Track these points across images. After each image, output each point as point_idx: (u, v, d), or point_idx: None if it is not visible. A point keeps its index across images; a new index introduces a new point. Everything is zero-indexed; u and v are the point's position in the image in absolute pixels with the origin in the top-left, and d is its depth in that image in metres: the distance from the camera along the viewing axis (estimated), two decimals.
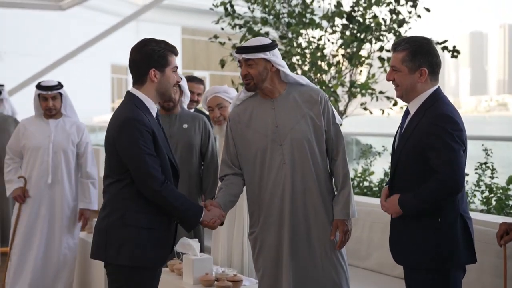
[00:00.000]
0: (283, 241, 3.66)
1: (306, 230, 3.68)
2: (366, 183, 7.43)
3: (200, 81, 6.00)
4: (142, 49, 3.40)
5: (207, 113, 4.96)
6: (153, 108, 3.45)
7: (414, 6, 7.21)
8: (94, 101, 23.35)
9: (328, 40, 7.44)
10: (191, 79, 5.99)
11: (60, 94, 5.53)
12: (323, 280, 3.69)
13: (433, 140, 3.18)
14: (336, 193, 3.78)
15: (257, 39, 3.75)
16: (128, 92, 3.46)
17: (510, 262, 3.98)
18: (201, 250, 4.54)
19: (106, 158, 3.44)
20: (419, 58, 3.30)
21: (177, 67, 3.50)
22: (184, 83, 5.03)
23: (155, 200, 3.32)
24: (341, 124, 3.86)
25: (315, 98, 3.72)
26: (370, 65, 7.44)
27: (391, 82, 3.44)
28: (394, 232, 3.42)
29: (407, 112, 3.41)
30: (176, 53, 3.48)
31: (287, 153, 3.66)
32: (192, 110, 5.52)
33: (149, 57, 3.37)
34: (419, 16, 7.23)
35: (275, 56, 3.69)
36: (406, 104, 3.44)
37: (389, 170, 3.64)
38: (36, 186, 5.47)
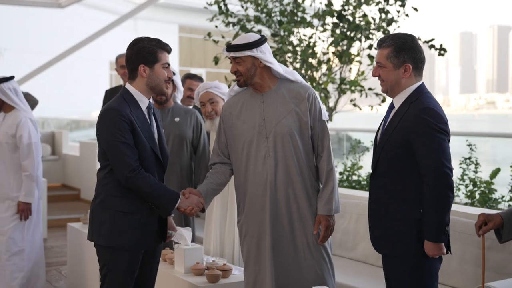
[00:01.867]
0: (265, 231, 3.70)
1: (288, 222, 3.71)
2: (354, 177, 7.47)
3: (199, 79, 6.01)
4: (134, 46, 3.53)
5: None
6: (143, 102, 3.56)
7: (403, 5, 7.25)
8: (92, 97, 23.33)
9: (319, 38, 7.47)
10: (191, 76, 6.01)
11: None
12: (305, 271, 3.71)
13: (418, 132, 3.20)
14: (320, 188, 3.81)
15: (244, 36, 3.74)
16: (123, 87, 3.59)
17: (489, 252, 4.03)
18: (192, 240, 4.57)
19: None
20: (403, 54, 3.33)
21: (168, 64, 3.57)
22: (177, 78, 5.06)
23: (127, 186, 3.45)
24: (328, 121, 3.87)
25: (303, 95, 3.73)
26: (360, 62, 7.48)
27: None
28: (373, 221, 3.44)
29: (391, 106, 3.43)
30: (168, 51, 3.57)
31: (272, 145, 3.69)
32: (191, 107, 5.54)
33: (138, 54, 3.50)
34: (407, 15, 7.26)
35: (263, 52, 3.69)
36: (392, 99, 3.47)
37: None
38: None
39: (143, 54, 3.48)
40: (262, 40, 3.70)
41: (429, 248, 3.23)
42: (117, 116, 3.40)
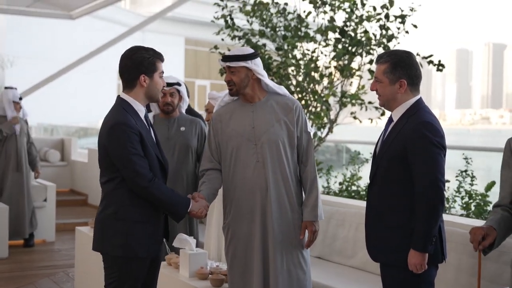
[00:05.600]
0: (255, 233, 3.75)
1: (273, 226, 3.74)
2: (354, 187, 7.48)
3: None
4: (132, 56, 3.47)
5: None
6: (141, 111, 3.53)
7: (403, 22, 7.27)
8: (100, 106, 23.37)
9: (322, 53, 7.50)
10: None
11: None
12: (288, 275, 3.76)
13: (415, 145, 3.20)
14: (304, 196, 3.87)
15: (240, 49, 3.85)
16: (118, 97, 3.54)
17: (484, 262, 4.03)
18: (196, 246, 4.58)
19: (99, 158, 3.55)
20: (399, 70, 3.34)
21: (163, 72, 3.58)
22: (183, 89, 5.09)
23: (144, 196, 3.41)
24: (312, 133, 3.93)
25: (290, 106, 3.83)
26: (360, 76, 7.50)
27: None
28: (371, 230, 3.44)
29: (390, 120, 3.45)
30: (162, 60, 3.57)
31: (261, 152, 3.75)
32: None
33: (140, 64, 3.45)
34: (407, 32, 7.29)
35: (256, 65, 3.80)
36: (390, 112, 3.48)
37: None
38: None
39: (145, 64, 3.45)
40: (256, 54, 3.83)
41: (413, 256, 3.20)
42: (127, 129, 3.36)
